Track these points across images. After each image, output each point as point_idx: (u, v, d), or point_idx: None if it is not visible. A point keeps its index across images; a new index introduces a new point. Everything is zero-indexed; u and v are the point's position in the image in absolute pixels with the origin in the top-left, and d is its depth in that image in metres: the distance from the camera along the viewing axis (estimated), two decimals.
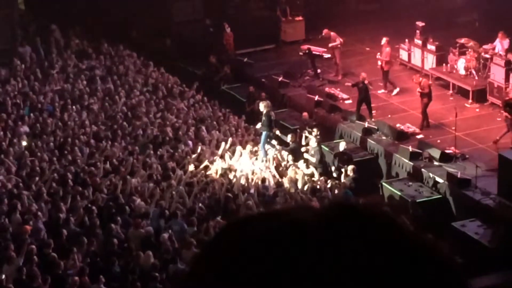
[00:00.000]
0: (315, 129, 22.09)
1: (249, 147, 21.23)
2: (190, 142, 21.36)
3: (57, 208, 16.66)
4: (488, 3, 29.37)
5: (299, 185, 19.66)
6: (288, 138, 22.39)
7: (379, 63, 25.47)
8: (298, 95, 26.05)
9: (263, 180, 19.54)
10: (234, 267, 1.36)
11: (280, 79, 26.70)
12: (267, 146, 21.52)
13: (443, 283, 1.38)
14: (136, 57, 27.72)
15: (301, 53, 27.69)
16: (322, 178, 20.45)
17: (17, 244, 15.08)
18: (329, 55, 27.21)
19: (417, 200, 19.58)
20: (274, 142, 22.02)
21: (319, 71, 27.16)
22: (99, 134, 21.27)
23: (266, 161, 20.82)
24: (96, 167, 19.01)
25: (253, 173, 19.96)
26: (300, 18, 30.93)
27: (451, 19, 29.35)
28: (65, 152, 19.95)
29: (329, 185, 19.98)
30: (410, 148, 21.05)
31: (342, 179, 20.39)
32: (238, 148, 20.89)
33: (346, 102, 25.07)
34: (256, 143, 21.88)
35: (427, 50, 26.45)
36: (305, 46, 27.88)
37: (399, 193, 19.89)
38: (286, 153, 21.74)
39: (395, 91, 25.25)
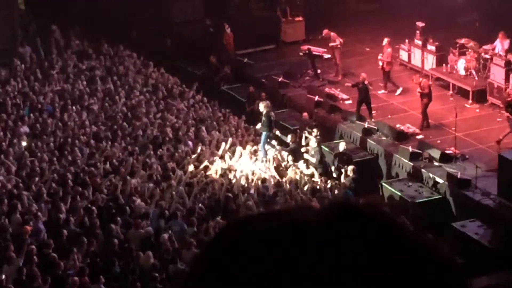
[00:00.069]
0: (315, 130, 22.09)
1: (249, 147, 21.23)
2: (190, 143, 21.36)
3: (57, 208, 16.66)
4: (488, 3, 29.37)
5: (299, 186, 19.66)
6: (288, 139, 22.39)
7: (380, 63, 25.45)
8: (298, 96, 26.06)
9: (263, 180, 19.54)
10: (234, 267, 1.36)
11: (280, 79, 26.70)
12: (267, 147, 21.53)
13: (444, 283, 1.38)
14: (136, 58, 27.72)
15: (301, 54, 27.69)
16: (322, 178, 20.46)
17: (17, 245, 15.08)
18: (329, 56, 27.20)
19: (417, 201, 19.59)
20: (274, 142, 22.03)
21: (319, 71, 27.16)
22: (99, 135, 21.27)
23: (266, 161, 20.82)
24: (96, 168, 19.01)
25: (253, 173, 19.97)
26: (300, 18, 30.92)
27: (451, 19, 29.33)
28: (65, 152, 19.95)
29: (329, 186, 19.99)
30: (410, 149, 21.06)
31: (342, 180, 20.39)
32: (238, 148, 20.89)
33: (346, 102, 25.07)
34: (256, 143, 21.88)
35: (427, 51, 26.45)
36: (305, 47, 27.88)
37: (399, 194, 19.89)
38: (286, 153, 21.74)
39: (398, 91, 25.24)
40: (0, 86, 24.24)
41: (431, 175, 20.16)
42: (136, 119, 22.52)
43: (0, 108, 22.63)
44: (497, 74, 23.82)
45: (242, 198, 18.14)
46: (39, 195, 17.22)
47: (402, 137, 22.30)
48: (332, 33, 27.14)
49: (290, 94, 26.23)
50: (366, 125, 22.90)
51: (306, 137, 22.12)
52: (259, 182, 19.43)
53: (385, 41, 25.55)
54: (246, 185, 19.09)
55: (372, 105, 23.74)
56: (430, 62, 26.24)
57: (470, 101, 24.31)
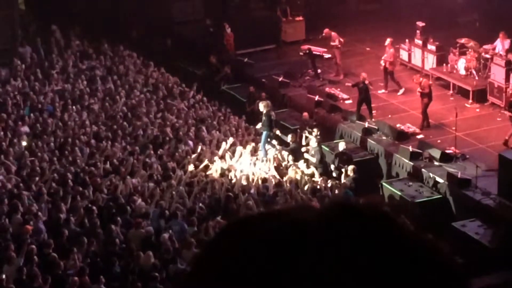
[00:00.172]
0: (315, 129, 22.09)
1: (249, 147, 21.23)
2: (190, 142, 21.36)
3: (58, 208, 16.66)
4: (488, 3, 29.36)
5: (299, 185, 19.66)
6: (288, 138, 22.39)
7: (382, 63, 25.40)
8: (299, 95, 26.05)
9: (264, 180, 19.54)
10: (235, 267, 1.37)
11: (280, 79, 26.69)
12: (267, 146, 21.53)
13: (444, 283, 1.38)
14: (136, 57, 27.72)
15: (301, 53, 27.68)
16: (322, 178, 20.45)
17: (18, 244, 15.08)
18: (329, 55, 27.20)
19: (417, 200, 19.59)
20: (274, 142, 22.03)
21: (319, 71, 27.16)
22: (99, 134, 21.27)
23: (266, 161, 20.82)
24: (96, 167, 19.01)
25: (253, 173, 19.97)
26: (301, 18, 30.90)
27: (451, 19, 29.33)
28: (65, 152, 19.95)
29: (329, 185, 19.99)
30: (410, 148, 21.05)
31: (343, 179, 20.38)
32: (239, 148, 20.89)
33: (346, 102, 25.06)
34: (256, 143, 21.88)
35: (427, 50, 26.44)
36: (306, 46, 27.87)
37: (399, 193, 19.89)
38: (286, 153, 21.74)
39: (401, 91, 25.21)
40: (0, 85, 24.24)
41: (431, 175, 20.15)
42: (137, 119, 22.52)
43: (0, 107, 22.63)
44: (497, 74, 23.81)
45: (243, 198, 18.14)
46: (40, 195, 17.22)
47: (402, 136, 22.30)
48: (333, 33, 27.14)
49: (291, 94, 26.23)
50: (367, 124, 22.90)
51: (306, 137, 22.12)
52: (260, 182, 19.44)
53: (388, 41, 25.54)
54: (246, 184, 19.08)
55: (372, 105, 23.73)
56: (431, 62, 26.24)
57: (470, 100, 24.31)
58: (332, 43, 27.08)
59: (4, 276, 14.05)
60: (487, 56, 24.65)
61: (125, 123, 22.21)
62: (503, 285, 16.13)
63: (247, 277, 1.34)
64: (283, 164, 21.15)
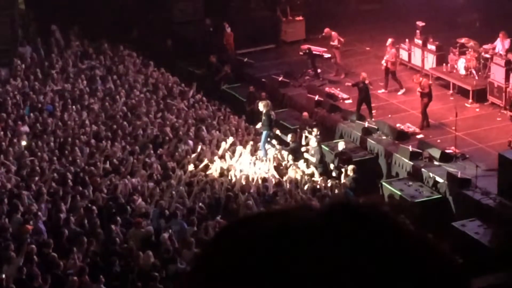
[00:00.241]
0: (315, 129, 22.09)
1: (249, 147, 21.23)
2: (190, 142, 21.36)
3: (57, 208, 16.66)
4: (488, 3, 29.34)
5: (299, 185, 19.66)
6: (288, 138, 22.40)
7: (384, 64, 25.37)
8: (298, 95, 26.06)
9: (264, 179, 19.54)
10: (234, 267, 1.37)
11: (280, 79, 26.70)
12: (267, 146, 21.54)
13: (444, 283, 1.39)
14: (136, 57, 27.72)
15: (301, 53, 27.69)
16: (322, 178, 20.45)
17: (17, 244, 15.07)
18: (329, 55, 27.21)
19: (417, 200, 19.58)
20: (274, 141, 22.04)
21: (319, 71, 27.16)
22: (99, 134, 21.27)
23: (266, 160, 20.82)
24: (96, 167, 19.01)
25: (253, 172, 19.97)
26: (300, 18, 30.90)
27: (451, 19, 29.33)
28: (65, 152, 19.95)
29: (329, 185, 19.99)
30: (410, 148, 21.06)
31: (342, 179, 20.38)
32: (239, 148, 20.89)
33: (346, 102, 25.06)
34: (256, 142, 21.88)
35: (427, 50, 26.45)
36: (305, 46, 27.87)
37: (399, 193, 19.89)
38: (286, 152, 21.75)
39: (401, 91, 25.21)
40: (0, 85, 24.24)
41: (431, 175, 20.15)
42: (136, 119, 22.52)
43: (0, 107, 22.63)
44: (497, 74, 23.80)
45: (242, 197, 18.13)
46: (39, 195, 17.22)
47: (402, 136, 22.30)
48: (333, 33, 27.15)
49: (290, 93, 26.23)
50: (366, 124, 22.90)
51: (306, 137, 22.12)
52: (260, 182, 19.44)
53: (389, 41, 25.54)
54: (246, 184, 19.07)
55: (372, 105, 23.74)
56: (430, 61, 26.24)
57: (470, 100, 24.31)
58: (331, 43, 27.09)
59: (4, 276, 14.05)
60: (487, 55, 24.65)
61: (125, 122, 22.20)
62: (503, 285, 16.12)
63: (247, 277, 1.34)
64: (283, 163, 21.15)
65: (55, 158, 19.52)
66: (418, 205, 19.43)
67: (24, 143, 20.43)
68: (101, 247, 15.60)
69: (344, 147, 21.78)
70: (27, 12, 30.45)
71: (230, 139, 21.28)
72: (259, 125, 22.47)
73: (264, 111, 21.86)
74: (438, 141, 22.01)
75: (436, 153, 20.82)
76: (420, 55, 26.66)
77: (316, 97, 24.91)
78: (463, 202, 19.22)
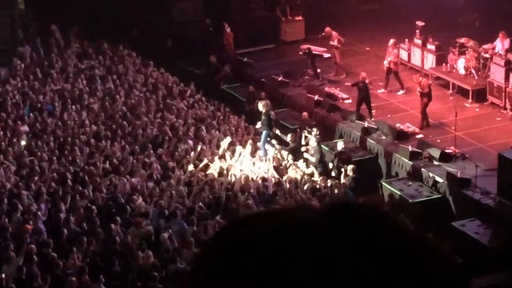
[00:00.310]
0: (314, 129, 22.09)
1: (249, 146, 21.23)
2: (190, 142, 21.36)
3: (57, 207, 16.66)
4: (488, 3, 29.34)
5: (299, 185, 19.66)
6: (288, 138, 22.40)
7: (386, 64, 25.34)
8: (298, 95, 26.06)
9: (263, 179, 19.54)
10: (234, 267, 1.37)
11: (280, 78, 26.70)
12: (266, 146, 21.54)
13: (444, 283, 1.38)
14: (136, 57, 27.72)
15: (301, 53, 27.69)
16: (322, 177, 20.46)
17: (17, 244, 15.07)
18: (329, 55, 27.22)
19: (417, 200, 19.58)
20: (273, 141, 22.04)
21: (319, 70, 27.16)
22: (99, 134, 21.27)
23: (266, 160, 20.82)
24: (95, 167, 19.01)
25: (253, 172, 19.97)
26: (300, 18, 30.91)
27: (451, 19, 29.34)
28: (65, 151, 19.95)
29: (329, 185, 19.98)
30: (410, 148, 21.06)
31: (342, 179, 20.38)
32: (238, 147, 20.89)
33: (346, 101, 25.07)
34: (256, 142, 21.88)
35: (427, 50, 26.45)
36: (305, 46, 27.87)
37: (398, 193, 19.89)
38: (286, 152, 21.75)
39: (402, 91, 25.20)
40: (0, 85, 24.23)
41: (431, 175, 20.15)
42: (136, 118, 22.52)
43: (0, 107, 22.63)
44: (497, 74, 23.81)
45: (242, 197, 18.13)
46: (39, 195, 17.22)
47: (402, 136, 22.30)
48: (333, 32, 27.14)
49: (290, 93, 26.24)
50: (366, 124, 22.90)
51: (306, 137, 22.12)
52: (259, 181, 19.44)
53: (391, 41, 25.54)
54: (246, 184, 19.08)
55: (372, 104, 23.74)
56: (430, 61, 26.24)
57: (470, 100, 24.31)
58: (331, 43, 27.09)
59: (3, 276, 14.05)
60: (487, 55, 24.66)
61: (124, 122, 22.20)
62: (503, 285, 16.13)
63: (247, 277, 1.34)
64: (283, 163, 21.15)
65: (54, 158, 19.51)
66: (418, 205, 19.43)
67: (23, 142, 20.42)
68: (101, 247, 15.60)
69: (343, 146, 21.79)
70: (27, 12, 30.46)
71: (227, 139, 21.19)
72: (258, 125, 22.47)
73: (263, 111, 21.87)
74: (438, 141, 22.01)
75: (435, 153, 20.82)
76: (419, 55, 26.66)
77: (316, 97, 24.91)
78: (463, 202, 19.22)
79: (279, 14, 30.94)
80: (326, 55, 27.24)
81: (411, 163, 20.77)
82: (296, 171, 20.39)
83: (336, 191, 19.65)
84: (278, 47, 30.28)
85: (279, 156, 21.33)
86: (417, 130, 22.71)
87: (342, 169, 20.63)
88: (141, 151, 20.40)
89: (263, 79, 27.21)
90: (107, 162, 19.48)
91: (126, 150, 20.43)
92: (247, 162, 20.42)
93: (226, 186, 18.78)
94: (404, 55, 27.15)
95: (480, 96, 24.17)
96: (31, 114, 22.28)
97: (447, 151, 21.02)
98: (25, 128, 21.38)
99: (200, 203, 17.87)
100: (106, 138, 20.93)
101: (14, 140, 20.41)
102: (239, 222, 1.46)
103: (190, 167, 19.62)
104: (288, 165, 20.99)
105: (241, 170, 19.87)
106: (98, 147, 20.31)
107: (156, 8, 30.76)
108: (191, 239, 15.82)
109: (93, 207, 16.74)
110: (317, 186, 19.77)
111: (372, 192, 20.51)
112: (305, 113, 23.87)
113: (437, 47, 26.20)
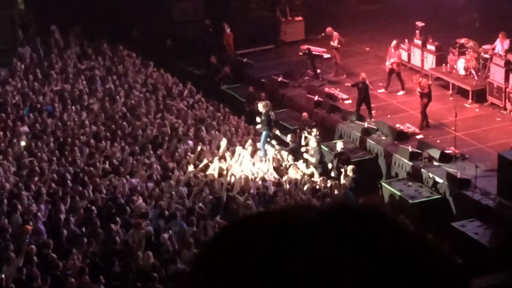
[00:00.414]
0: (314, 129, 22.09)
1: (249, 147, 21.23)
2: (190, 142, 21.36)
3: (57, 208, 16.65)
4: (488, 3, 29.35)
5: (299, 185, 19.66)
6: (288, 138, 22.40)
7: (388, 65, 25.32)
8: (298, 95, 26.06)
9: (263, 180, 19.54)
10: (234, 267, 1.37)
11: (279, 79, 26.71)
12: (266, 146, 21.54)
13: (444, 283, 1.38)
14: (136, 57, 27.72)
15: (301, 53, 27.70)
16: (322, 178, 20.45)
17: (17, 245, 15.07)
18: (328, 55, 27.22)
19: (417, 200, 19.58)
20: (273, 142, 22.04)
21: (318, 71, 27.16)
22: (98, 134, 21.27)
23: (265, 161, 20.82)
24: (95, 167, 19.01)
25: (253, 173, 19.97)
26: (300, 18, 30.92)
27: (451, 19, 29.34)
28: (64, 152, 19.95)
29: (329, 185, 19.99)
30: (410, 148, 21.06)
31: (342, 180, 20.38)
32: (238, 148, 20.89)
33: (346, 102, 25.07)
34: (256, 143, 21.88)
35: (426, 50, 26.45)
36: (305, 46, 27.88)
37: (398, 193, 19.89)
38: (286, 153, 21.75)
39: (402, 92, 25.20)
40: (0, 86, 24.24)
41: (430, 175, 20.15)
42: (136, 119, 22.52)
43: (0, 108, 22.63)
44: (496, 74, 23.82)
45: (242, 197, 18.13)
46: (39, 195, 17.22)
47: (401, 137, 22.30)
48: (334, 33, 27.14)
49: (290, 94, 26.24)
50: (366, 124, 22.90)
51: (305, 137, 22.12)
52: (259, 182, 19.44)
53: (394, 43, 25.55)
54: (246, 184, 19.08)
55: (372, 105, 23.75)
56: (430, 62, 26.24)
57: (469, 100, 24.32)
58: (331, 43, 27.09)
59: (3, 276, 14.05)
60: (487, 56, 24.66)
61: (124, 123, 22.20)
62: (503, 285, 16.13)
63: (247, 277, 1.34)
64: (283, 164, 21.15)
65: (54, 158, 19.51)
66: (418, 206, 19.43)
67: (23, 143, 20.42)
68: (101, 247, 15.60)
69: (342, 147, 21.79)
70: (27, 12, 30.47)
71: (224, 140, 21.14)
72: (258, 126, 22.47)
73: (263, 112, 21.87)
74: (438, 141, 22.01)
75: (435, 153, 20.82)
76: (419, 56, 26.67)
77: (316, 98, 24.91)
78: (462, 203, 19.23)
79: (279, 15, 30.95)
80: (326, 56, 27.24)
81: (411, 163, 20.77)
82: (296, 171, 20.39)
83: (336, 191, 19.65)
84: (278, 47, 30.28)
85: (279, 156, 21.33)
86: (417, 130, 22.71)
87: (342, 170, 20.62)
88: (141, 151, 20.40)
89: (263, 80, 27.21)
90: (107, 162, 19.48)
91: (126, 150, 20.43)
92: (247, 163, 20.42)
93: (226, 186, 18.77)
94: (404, 55, 27.14)
95: (480, 96, 24.17)
96: (31, 115, 22.27)
97: (447, 151, 21.02)
98: (25, 128, 21.38)
99: (200, 204, 17.86)
100: (106, 139, 20.93)
101: (14, 140, 20.41)
102: (239, 222, 1.46)
103: (190, 168, 19.61)
104: (288, 166, 20.99)
105: (241, 171, 19.87)
106: (98, 148, 20.31)
107: (156, 8, 30.77)
108: (191, 240, 15.81)
109: (93, 207, 16.74)
110: (317, 187, 19.77)
111: (372, 193, 20.50)
112: (305, 114, 23.87)
113: (437, 47, 26.20)
